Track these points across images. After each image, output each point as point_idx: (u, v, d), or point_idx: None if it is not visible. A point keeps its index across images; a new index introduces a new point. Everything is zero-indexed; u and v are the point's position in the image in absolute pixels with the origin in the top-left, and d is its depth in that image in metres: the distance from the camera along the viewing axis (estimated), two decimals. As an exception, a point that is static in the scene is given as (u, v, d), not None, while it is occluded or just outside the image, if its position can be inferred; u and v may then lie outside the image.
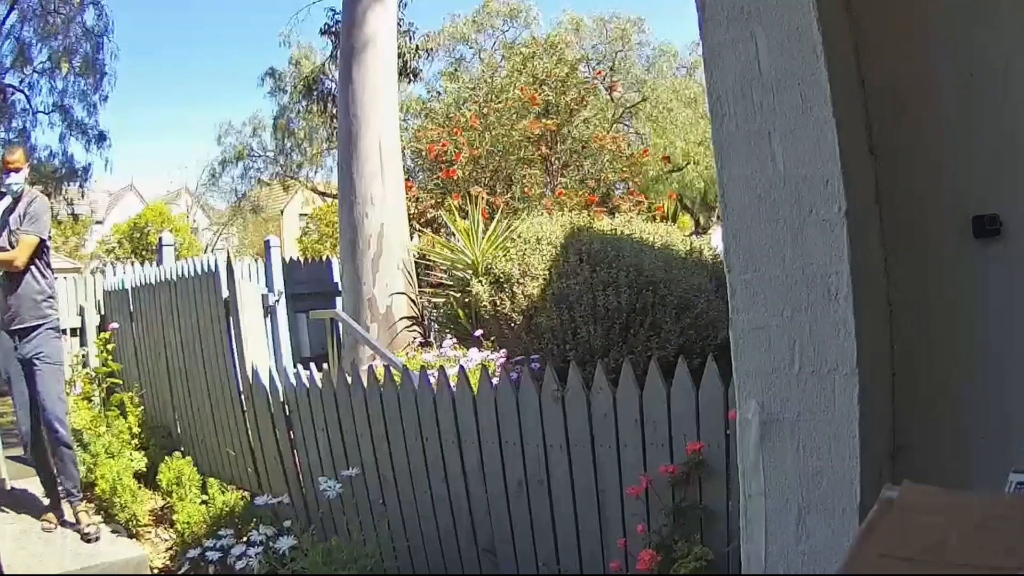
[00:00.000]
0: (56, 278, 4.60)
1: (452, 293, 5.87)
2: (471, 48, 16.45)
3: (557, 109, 9.56)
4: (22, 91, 14.11)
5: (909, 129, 1.73)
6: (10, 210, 4.12)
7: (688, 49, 16.61)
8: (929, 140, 1.71)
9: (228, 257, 5.35)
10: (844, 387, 1.55)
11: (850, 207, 1.55)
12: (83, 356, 6.60)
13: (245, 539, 3.50)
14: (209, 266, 5.14)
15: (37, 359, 4.20)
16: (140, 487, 5.11)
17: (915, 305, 1.73)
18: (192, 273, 5.34)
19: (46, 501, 4.64)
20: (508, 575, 3.29)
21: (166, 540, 4.74)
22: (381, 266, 6.61)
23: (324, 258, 9.72)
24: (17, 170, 4.12)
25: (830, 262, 1.56)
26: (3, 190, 4.18)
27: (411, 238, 7.41)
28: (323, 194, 20.00)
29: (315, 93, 15.46)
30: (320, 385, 4.00)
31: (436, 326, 6.60)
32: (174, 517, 4.60)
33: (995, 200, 1.65)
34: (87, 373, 6.40)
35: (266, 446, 4.34)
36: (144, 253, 17.73)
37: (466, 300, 5.48)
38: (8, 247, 4.07)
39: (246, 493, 4.61)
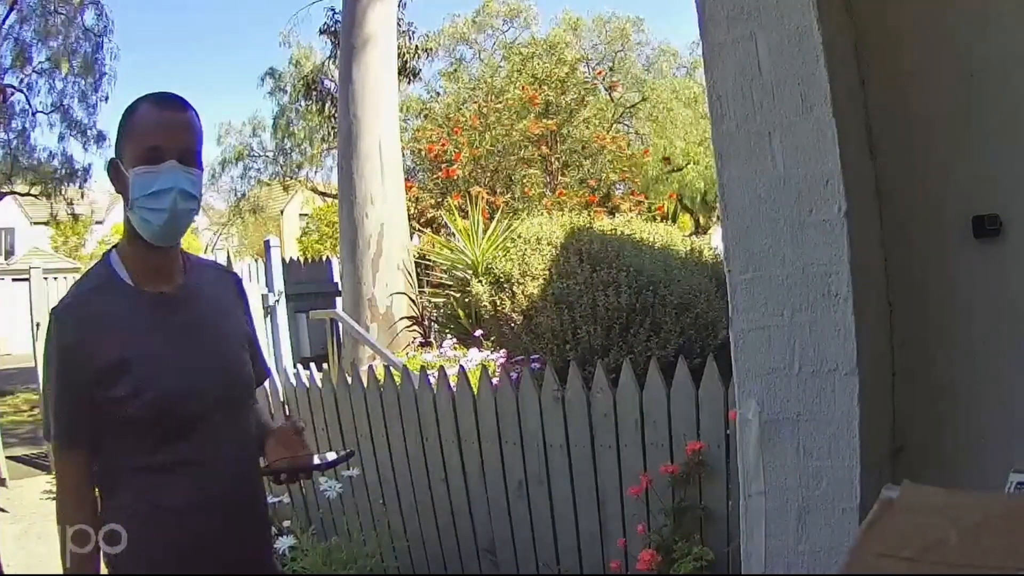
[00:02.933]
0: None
1: (452, 293, 5.87)
2: (471, 48, 16.46)
3: (557, 109, 9.57)
4: (22, 91, 14.10)
5: (909, 129, 1.73)
6: (196, 285, 1.58)
7: (688, 49, 16.60)
8: (929, 140, 1.71)
9: (228, 257, 5.35)
10: (844, 387, 1.55)
11: (850, 207, 1.55)
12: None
13: (245, 539, 3.50)
14: (209, 266, 5.13)
15: None
16: (140, 487, 5.11)
17: (915, 305, 1.73)
18: (192, 273, 5.33)
19: (45, 501, 4.66)
20: (508, 575, 3.29)
21: (166, 540, 4.73)
22: (381, 266, 6.61)
23: (324, 258, 9.72)
24: (195, 157, 1.50)
25: (830, 262, 1.56)
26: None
27: (411, 238, 7.41)
28: (323, 194, 20.00)
29: (315, 93, 15.45)
30: (320, 385, 4.00)
31: (436, 326, 6.60)
32: (174, 517, 4.60)
33: (995, 200, 1.65)
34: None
35: (266, 446, 4.33)
36: (144, 253, 17.68)
37: (466, 300, 5.48)
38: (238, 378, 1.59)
39: (246, 493, 4.61)
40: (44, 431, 1.46)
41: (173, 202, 1.44)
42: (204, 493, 1.47)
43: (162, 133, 1.45)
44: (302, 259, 9.92)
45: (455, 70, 15.41)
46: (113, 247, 1.56)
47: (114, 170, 1.51)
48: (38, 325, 6.53)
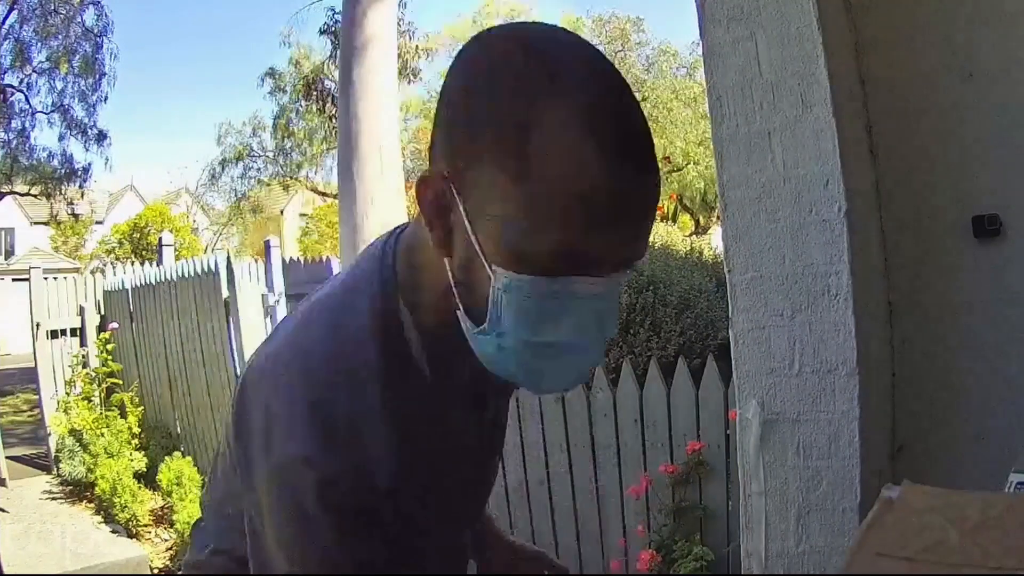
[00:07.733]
0: None
1: (452, 293, 5.87)
2: (471, 48, 16.43)
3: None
4: (21, 91, 14.11)
5: (909, 129, 1.73)
6: None
7: (688, 49, 16.62)
8: (929, 140, 1.71)
9: (228, 257, 5.36)
10: (844, 387, 1.55)
11: (850, 207, 1.54)
12: (83, 356, 6.60)
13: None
14: (209, 266, 5.14)
15: None
16: (140, 487, 5.12)
17: (915, 305, 1.73)
18: (192, 273, 5.34)
19: (45, 501, 4.66)
20: (508, 575, 3.29)
21: (166, 540, 4.74)
22: (381, 266, 6.60)
23: (324, 258, 9.71)
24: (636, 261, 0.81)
25: (830, 262, 1.56)
26: None
27: (411, 238, 7.40)
28: (323, 194, 20.01)
29: (315, 93, 15.47)
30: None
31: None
32: (174, 517, 4.60)
33: (995, 200, 1.65)
34: (87, 373, 6.40)
35: (266, 446, 4.34)
36: (144, 253, 17.75)
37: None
38: None
39: (246, 493, 4.61)
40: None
41: (581, 367, 0.78)
42: None
43: (619, 223, 0.69)
44: (302, 259, 9.91)
45: (455, 70, 15.39)
46: (393, 268, 0.79)
47: (437, 206, 0.71)
48: (38, 325, 6.53)
